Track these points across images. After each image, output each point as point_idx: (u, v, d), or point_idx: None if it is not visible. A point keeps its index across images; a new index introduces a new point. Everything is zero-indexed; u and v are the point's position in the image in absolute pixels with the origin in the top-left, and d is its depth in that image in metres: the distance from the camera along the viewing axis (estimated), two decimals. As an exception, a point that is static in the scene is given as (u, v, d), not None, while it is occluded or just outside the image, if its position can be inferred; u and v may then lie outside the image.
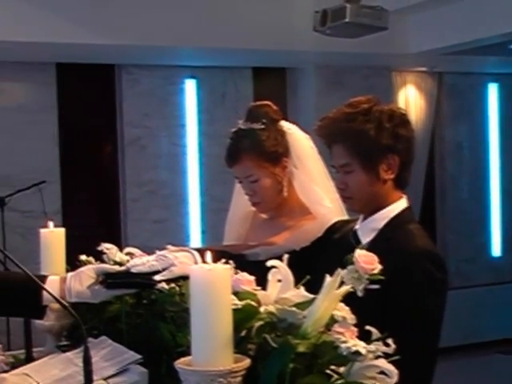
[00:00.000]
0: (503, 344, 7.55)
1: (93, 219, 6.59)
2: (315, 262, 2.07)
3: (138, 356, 1.82)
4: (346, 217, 2.31)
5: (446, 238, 7.98)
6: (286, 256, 1.62)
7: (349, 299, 1.91)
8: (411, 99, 7.67)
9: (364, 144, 2.02)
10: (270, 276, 1.60)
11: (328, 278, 1.48)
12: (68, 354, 2.00)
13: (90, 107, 6.55)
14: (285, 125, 2.51)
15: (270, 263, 1.58)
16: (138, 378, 1.75)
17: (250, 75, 7.02)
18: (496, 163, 8.14)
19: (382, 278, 1.91)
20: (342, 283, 1.59)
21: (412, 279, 1.92)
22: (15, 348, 2.48)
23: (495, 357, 7.34)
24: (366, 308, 1.90)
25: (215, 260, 1.56)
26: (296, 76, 7.21)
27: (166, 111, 6.66)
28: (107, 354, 1.90)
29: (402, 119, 2.08)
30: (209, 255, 1.44)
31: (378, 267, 1.91)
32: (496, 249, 8.17)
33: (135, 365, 1.81)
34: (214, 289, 1.39)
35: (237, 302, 1.55)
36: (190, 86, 6.76)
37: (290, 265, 1.66)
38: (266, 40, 6.02)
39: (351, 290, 1.92)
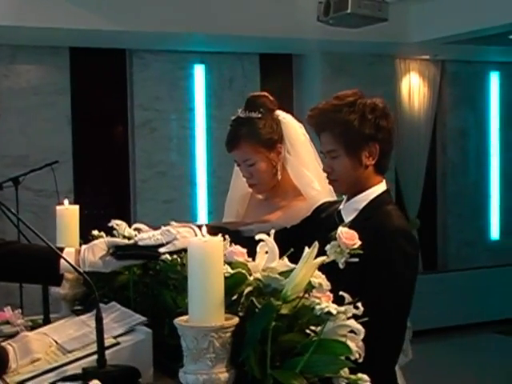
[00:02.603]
0: (501, 324, 7.79)
1: (104, 199, 6.82)
2: (303, 238, 2.29)
3: (144, 318, 2.06)
4: (333, 198, 2.54)
5: (446, 221, 8.21)
6: (272, 231, 1.85)
7: (332, 270, 2.16)
8: (414, 86, 7.87)
9: (348, 133, 2.25)
10: (259, 248, 1.83)
11: (306, 249, 1.71)
12: (81, 317, 2.25)
13: (102, 90, 6.78)
14: (280, 114, 2.74)
15: (258, 237, 1.81)
16: (143, 337, 2.00)
17: (258, 61, 7.24)
18: (496, 149, 8.37)
19: (361, 252, 2.15)
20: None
21: (387, 254, 2.15)
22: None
23: (492, 336, 7.59)
24: (347, 278, 2.14)
25: (213, 234, 1.81)
26: (302, 62, 7.42)
27: (176, 95, 6.89)
28: (116, 317, 2.15)
29: (383, 112, 2.30)
30: (204, 229, 1.67)
31: (358, 243, 2.15)
32: (495, 232, 8.40)
33: (141, 326, 2.05)
34: (209, 258, 1.63)
35: (229, 270, 1.78)
36: (199, 71, 7.00)
37: (281, 240, 1.89)
38: (273, 27, 6.22)
39: (328, 260, 2.18)
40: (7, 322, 2.49)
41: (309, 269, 1.70)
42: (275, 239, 1.90)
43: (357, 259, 2.15)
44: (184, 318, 1.66)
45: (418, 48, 7.08)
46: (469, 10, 6.12)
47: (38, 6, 5.56)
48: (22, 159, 6.29)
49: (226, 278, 1.71)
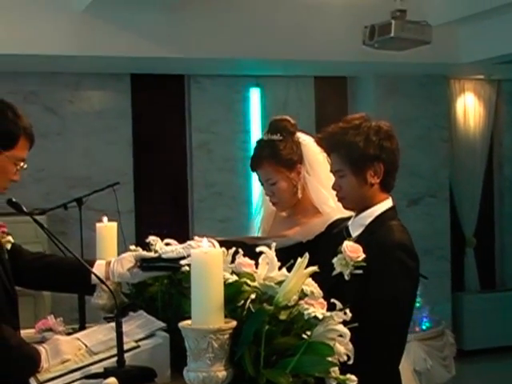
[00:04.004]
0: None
1: (163, 218, 7.06)
2: (317, 252, 2.46)
3: (163, 324, 2.27)
4: (347, 215, 2.70)
5: (503, 240, 8.20)
6: (273, 244, 2.02)
7: (338, 281, 2.33)
8: (470, 106, 7.91)
9: (354, 153, 2.42)
10: (260, 260, 2.01)
11: (299, 260, 1.88)
12: (111, 323, 2.46)
13: (162, 114, 7.05)
14: (301, 136, 2.93)
15: (259, 249, 1.99)
16: (161, 341, 2.20)
17: (312, 83, 7.41)
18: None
19: (364, 264, 2.31)
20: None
21: (387, 266, 2.31)
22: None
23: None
24: (352, 289, 2.31)
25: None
26: (356, 84, 7.57)
27: (232, 118, 7.13)
28: (141, 324, 2.36)
29: (387, 133, 2.45)
30: (205, 241, 1.86)
31: (362, 256, 2.32)
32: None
33: (161, 331, 2.26)
34: (209, 267, 1.81)
35: (233, 278, 1.96)
36: (255, 94, 7.22)
37: (297, 254, 2.05)
38: (327, 51, 6.40)
39: (335, 273, 2.35)
40: (50, 329, 2.73)
41: (299, 278, 1.87)
42: (292, 252, 2.07)
43: (361, 271, 2.31)
44: (188, 321, 1.85)
45: (470, 68, 7.15)
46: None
47: (100, 36, 5.87)
48: (85, 180, 6.60)
49: (226, 285, 1.89)
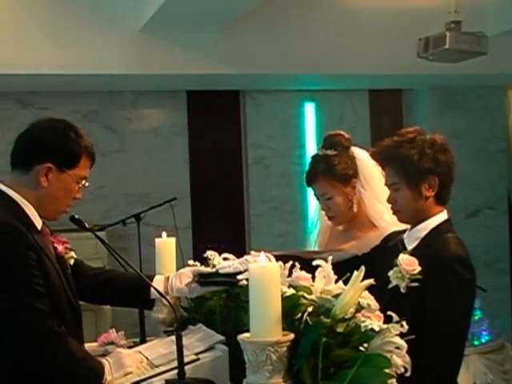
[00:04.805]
0: None
1: (220, 233, 7.12)
2: (373, 265, 2.48)
3: (222, 337, 2.32)
4: (402, 228, 2.71)
5: None
6: (330, 258, 2.05)
7: (395, 294, 2.34)
8: (528, 116, 7.81)
9: (408, 167, 2.44)
10: (317, 273, 2.04)
11: (355, 273, 1.91)
12: (172, 337, 2.51)
13: (218, 130, 7.12)
14: (355, 151, 2.96)
15: (315, 263, 2.02)
16: (220, 354, 2.25)
17: (367, 97, 7.41)
18: None
19: (420, 277, 2.32)
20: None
21: (444, 279, 2.31)
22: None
23: None
24: (408, 301, 2.32)
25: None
26: (411, 97, 7.54)
27: (287, 133, 7.16)
28: (201, 337, 2.41)
29: (441, 147, 2.47)
30: (262, 256, 1.90)
31: (418, 269, 2.34)
32: None
33: (220, 344, 2.30)
34: (266, 281, 1.85)
35: (290, 292, 1.99)
36: (310, 109, 7.24)
37: (353, 267, 2.07)
38: (381, 64, 6.40)
39: (391, 286, 2.36)
40: (112, 343, 2.80)
41: (356, 290, 1.89)
42: (348, 266, 2.10)
43: (417, 284, 2.32)
44: (247, 334, 1.89)
45: (529, 78, 7.07)
46: None
47: (157, 54, 5.96)
48: (143, 197, 6.70)
49: (284, 298, 1.93)
